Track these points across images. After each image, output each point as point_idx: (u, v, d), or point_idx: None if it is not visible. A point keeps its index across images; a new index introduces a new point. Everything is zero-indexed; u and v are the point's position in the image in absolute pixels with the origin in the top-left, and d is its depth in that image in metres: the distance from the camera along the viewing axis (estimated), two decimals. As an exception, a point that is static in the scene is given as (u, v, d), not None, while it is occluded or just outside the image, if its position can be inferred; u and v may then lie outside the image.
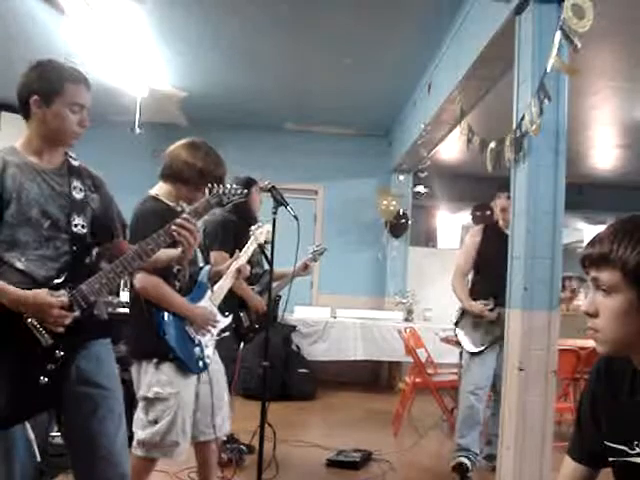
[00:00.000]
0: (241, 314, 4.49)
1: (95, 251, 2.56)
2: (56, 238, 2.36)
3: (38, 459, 2.40)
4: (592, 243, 1.48)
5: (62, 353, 2.25)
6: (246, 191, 2.69)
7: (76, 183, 2.47)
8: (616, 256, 1.40)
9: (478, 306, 4.58)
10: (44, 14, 5.49)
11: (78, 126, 2.41)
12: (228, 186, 2.71)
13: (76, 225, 2.41)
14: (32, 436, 2.34)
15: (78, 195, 2.46)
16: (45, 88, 2.35)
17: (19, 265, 2.26)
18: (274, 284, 3.62)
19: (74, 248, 2.38)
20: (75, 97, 2.39)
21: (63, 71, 2.40)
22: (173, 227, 2.44)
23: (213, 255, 4.26)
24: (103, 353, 2.47)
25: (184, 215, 2.50)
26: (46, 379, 2.21)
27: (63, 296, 2.23)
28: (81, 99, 2.40)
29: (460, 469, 4.48)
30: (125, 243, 2.65)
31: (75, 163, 2.55)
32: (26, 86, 2.37)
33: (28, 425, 2.33)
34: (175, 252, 2.66)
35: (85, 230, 2.44)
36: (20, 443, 2.29)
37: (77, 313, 2.25)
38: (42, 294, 2.19)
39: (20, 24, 5.69)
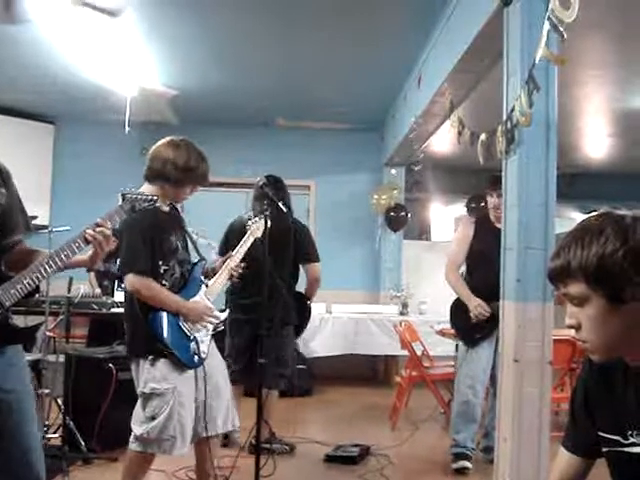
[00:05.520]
0: None
1: None
2: None
3: None
4: (552, 258, 1.48)
5: None
6: (156, 197, 2.67)
7: None
8: (575, 266, 1.40)
9: (477, 301, 4.50)
10: (33, 15, 5.46)
11: None
12: (141, 193, 2.62)
13: None
14: None
15: None
16: None
17: None
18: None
19: None
20: None
21: None
22: (89, 232, 2.28)
23: None
24: (16, 358, 2.33)
25: (99, 220, 2.32)
26: None
27: None
28: None
29: (463, 471, 4.55)
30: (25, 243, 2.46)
31: None
32: None
33: None
34: (83, 257, 2.40)
35: None
36: None
37: None
38: None
39: (8, 25, 5.65)
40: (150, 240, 3.14)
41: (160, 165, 3.25)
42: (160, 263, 3.17)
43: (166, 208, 3.32)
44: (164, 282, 3.17)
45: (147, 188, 3.26)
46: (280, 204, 4.28)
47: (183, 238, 3.36)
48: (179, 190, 3.31)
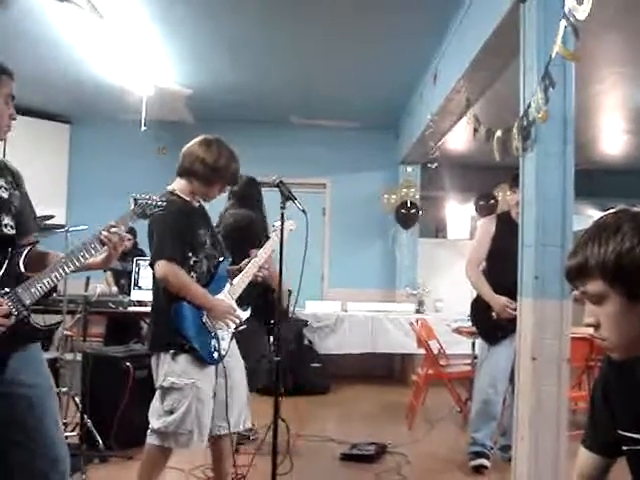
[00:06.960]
0: None
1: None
2: None
3: None
4: (569, 256, 1.47)
5: None
6: (166, 203, 2.66)
7: (1, 182, 2.34)
8: (592, 264, 1.39)
9: (502, 301, 4.46)
10: (51, 13, 5.50)
11: (10, 119, 2.33)
12: (152, 197, 2.59)
13: (5, 226, 2.29)
14: None
15: (4, 194, 2.32)
16: None
17: None
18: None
19: (5, 250, 2.23)
20: (11, 89, 2.31)
21: None
22: (104, 233, 2.32)
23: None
24: (36, 354, 2.37)
25: (112, 222, 2.37)
26: None
27: (4, 303, 2.09)
28: (14, 91, 2.32)
29: (481, 470, 4.55)
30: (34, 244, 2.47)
31: None
32: None
33: None
34: (96, 260, 2.45)
35: (13, 231, 2.31)
36: None
37: (13, 320, 2.11)
38: None
39: (26, 23, 5.69)
40: (180, 232, 3.18)
41: (190, 162, 3.32)
42: (190, 255, 3.21)
43: (196, 204, 3.38)
44: (192, 274, 3.20)
45: (178, 183, 3.35)
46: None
47: (211, 235, 3.38)
48: (208, 188, 3.36)
